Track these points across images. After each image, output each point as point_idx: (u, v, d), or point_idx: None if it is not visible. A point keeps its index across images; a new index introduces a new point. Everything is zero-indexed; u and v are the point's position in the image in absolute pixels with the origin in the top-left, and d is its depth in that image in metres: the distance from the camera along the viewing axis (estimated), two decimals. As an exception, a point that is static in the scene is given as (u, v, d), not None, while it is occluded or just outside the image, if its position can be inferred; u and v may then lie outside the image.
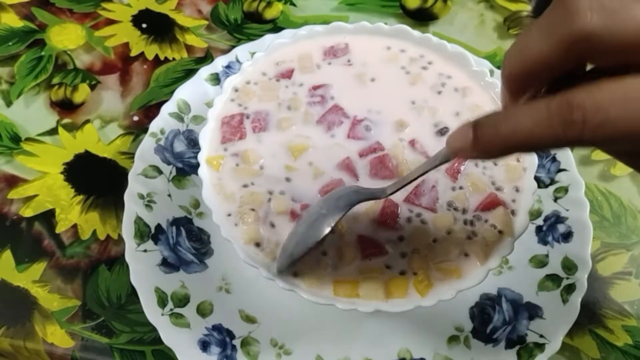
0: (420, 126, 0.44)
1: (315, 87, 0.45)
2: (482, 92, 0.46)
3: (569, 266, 0.45)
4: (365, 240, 0.40)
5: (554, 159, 0.49)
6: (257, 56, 0.46)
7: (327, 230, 0.37)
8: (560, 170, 0.49)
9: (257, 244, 0.40)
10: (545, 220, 0.47)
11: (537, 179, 0.48)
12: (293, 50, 0.47)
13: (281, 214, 0.40)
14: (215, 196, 0.41)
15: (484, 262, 0.39)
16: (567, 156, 0.49)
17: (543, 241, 0.47)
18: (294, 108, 0.45)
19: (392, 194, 0.38)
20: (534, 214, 0.48)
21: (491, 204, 0.41)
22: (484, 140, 0.29)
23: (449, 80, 0.46)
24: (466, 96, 0.45)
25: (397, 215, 0.41)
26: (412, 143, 0.43)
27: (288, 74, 0.46)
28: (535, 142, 0.27)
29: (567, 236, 0.46)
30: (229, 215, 0.40)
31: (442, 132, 0.44)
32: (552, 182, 0.49)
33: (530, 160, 0.43)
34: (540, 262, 0.46)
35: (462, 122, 0.30)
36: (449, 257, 0.39)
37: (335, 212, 0.37)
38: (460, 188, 0.42)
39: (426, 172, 0.36)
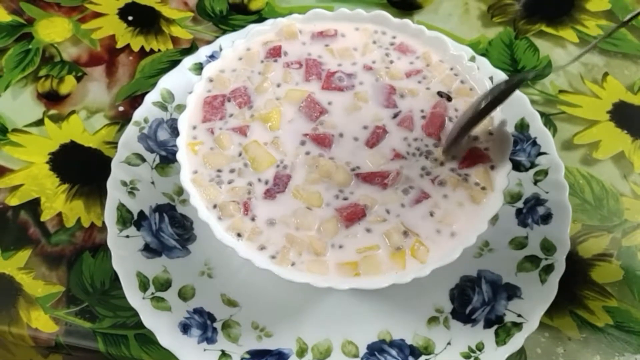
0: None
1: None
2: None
3: (548, 247, 0.45)
4: (341, 208, 0.41)
5: (534, 143, 0.50)
6: (237, 43, 0.47)
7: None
8: (540, 154, 0.49)
9: (239, 234, 0.40)
10: (525, 202, 0.48)
11: (517, 162, 0.49)
12: (277, 32, 0.49)
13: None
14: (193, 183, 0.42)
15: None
16: (547, 140, 0.50)
17: (523, 223, 0.47)
18: (272, 70, 0.46)
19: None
20: (515, 197, 0.48)
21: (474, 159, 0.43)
22: None
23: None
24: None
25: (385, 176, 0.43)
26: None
27: (276, 52, 0.47)
28: None
29: (546, 218, 0.46)
30: (215, 207, 0.41)
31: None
32: (533, 165, 0.49)
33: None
34: (519, 244, 0.46)
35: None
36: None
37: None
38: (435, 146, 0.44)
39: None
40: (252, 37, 0.48)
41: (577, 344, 0.44)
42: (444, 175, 0.42)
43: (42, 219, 0.48)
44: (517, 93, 0.52)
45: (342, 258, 0.40)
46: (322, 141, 0.44)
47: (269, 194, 0.42)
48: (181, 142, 0.43)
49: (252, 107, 0.45)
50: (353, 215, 0.41)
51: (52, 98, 0.55)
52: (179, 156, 0.42)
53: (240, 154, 0.43)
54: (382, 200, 0.41)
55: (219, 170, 0.42)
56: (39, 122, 0.53)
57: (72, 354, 0.45)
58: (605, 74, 0.58)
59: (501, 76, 0.52)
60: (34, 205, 0.49)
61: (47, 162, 0.51)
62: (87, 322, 0.44)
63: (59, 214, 0.49)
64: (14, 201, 0.49)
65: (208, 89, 0.46)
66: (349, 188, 0.42)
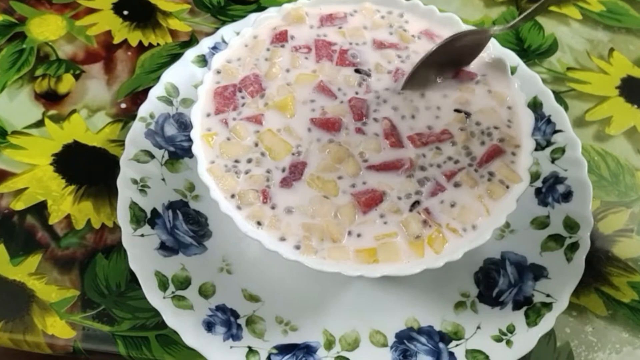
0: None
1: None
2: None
3: (571, 225, 0.45)
4: (358, 193, 0.40)
5: (549, 121, 0.49)
6: (244, 31, 0.46)
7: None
8: (555, 132, 0.49)
9: (258, 223, 0.39)
10: (544, 182, 0.47)
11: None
12: (284, 17, 0.48)
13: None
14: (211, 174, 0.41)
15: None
16: (562, 117, 0.49)
17: (543, 203, 0.46)
18: (279, 56, 0.45)
19: None
20: (533, 177, 0.47)
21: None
22: None
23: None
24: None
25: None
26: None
27: (283, 37, 0.46)
28: None
29: (567, 196, 0.46)
30: (233, 196, 0.40)
31: None
32: (549, 143, 0.48)
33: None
34: (541, 223, 0.45)
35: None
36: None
37: None
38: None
39: None
40: (259, 24, 0.46)
41: (604, 320, 0.44)
42: (460, 175, 0.41)
43: (50, 222, 0.47)
44: (528, 72, 0.51)
45: (360, 245, 0.39)
46: (332, 126, 0.43)
47: (285, 183, 0.41)
48: (195, 134, 0.41)
49: (264, 95, 0.44)
50: (371, 200, 0.40)
51: (50, 98, 0.53)
52: (194, 149, 0.41)
53: (256, 144, 0.42)
54: (397, 188, 0.40)
55: (236, 161, 0.41)
56: (39, 123, 0.52)
57: (90, 359, 0.43)
58: (611, 50, 0.57)
59: (511, 55, 0.52)
60: (40, 209, 0.47)
61: (51, 164, 0.49)
62: (105, 325, 0.43)
63: (68, 217, 0.47)
64: (19, 205, 0.47)
65: (217, 81, 0.44)
66: (359, 178, 0.41)
